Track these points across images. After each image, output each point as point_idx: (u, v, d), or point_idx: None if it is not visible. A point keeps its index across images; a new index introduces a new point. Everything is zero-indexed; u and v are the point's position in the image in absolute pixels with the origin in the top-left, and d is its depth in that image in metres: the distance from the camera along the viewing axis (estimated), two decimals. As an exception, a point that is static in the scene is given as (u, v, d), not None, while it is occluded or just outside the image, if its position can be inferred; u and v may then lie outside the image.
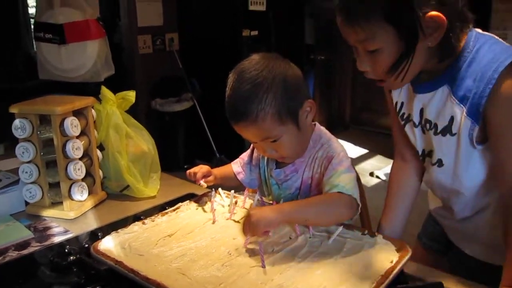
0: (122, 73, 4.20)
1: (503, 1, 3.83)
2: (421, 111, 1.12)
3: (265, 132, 1.13)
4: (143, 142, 1.59)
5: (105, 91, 1.53)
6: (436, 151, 1.11)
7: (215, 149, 4.38)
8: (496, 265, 1.06)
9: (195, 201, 1.31)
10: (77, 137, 1.41)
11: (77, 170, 1.40)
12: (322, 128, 1.28)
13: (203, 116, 4.41)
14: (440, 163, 1.12)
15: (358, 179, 1.48)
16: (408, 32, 0.94)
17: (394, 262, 0.94)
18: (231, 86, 1.13)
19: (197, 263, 0.99)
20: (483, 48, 0.99)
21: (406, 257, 0.95)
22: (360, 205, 1.11)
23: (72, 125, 1.36)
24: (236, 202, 1.27)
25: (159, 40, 4.64)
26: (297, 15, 4.97)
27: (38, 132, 1.37)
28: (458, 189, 1.13)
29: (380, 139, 4.85)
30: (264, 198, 1.29)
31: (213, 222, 1.19)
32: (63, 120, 1.36)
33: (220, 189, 1.34)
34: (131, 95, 1.55)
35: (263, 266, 0.96)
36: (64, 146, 1.37)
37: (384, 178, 4.02)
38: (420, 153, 1.20)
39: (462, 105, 1.01)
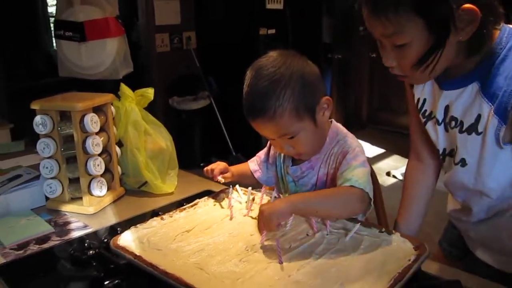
0: (140, 72, 4.23)
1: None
2: (446, 108, 1.09)
3: (282, 129, 1.13)
4: (161, 139, 1.61)
5: (124, 88, 1.55)
6: (460, 150, 1.08)
7: (231, 147, 4.39)
8: (509, 274, 1.04)
9: (213, 198, 1.32)
10: (97, 133, 1.43)
11: (97, 166, 1.42)
12: (339, 125, 1.28)
13: (219, 115, 4.43)
14: (463, 162, 1.09)
15: (375, 177, 1.48)
16: (439, 25, 0.91)
17: (412, 260, 0.93)
18: (249, 83, 1.14)
19: (215, 259, 1.00)
20: None
21: (424, 255, 0.95)
22: (372, 200, 1.10)
23: (92, 122, 1.38)
24: (253, 199, 1.27)
25: (176, 38, 4.66)
26: (315, 14, 4.95)
27: (59, 128, 1.40)
28: (481, 189, 1.09)
29: (397, 138, 4.82)
30: (281, 195, 1.29)
31: (231, 219, 1.20)
32: (83, 116, 1.37)
33: (237, 186, 1.35)
34: (150, 92, 1.57)
35: (280, 262, 0.96)
36: (84, 142, 1.39)
37: (400, 177, 3.99)
38: (440, 152, 1.17)
39: (490, 103, 0.98)
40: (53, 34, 4.21)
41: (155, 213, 1.28)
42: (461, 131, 1.06)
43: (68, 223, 1.37)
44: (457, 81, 1.04)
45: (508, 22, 1.00)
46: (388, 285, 0.85)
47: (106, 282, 1.00)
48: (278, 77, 1.10)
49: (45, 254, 1.19)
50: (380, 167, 4.34)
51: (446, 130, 1.12)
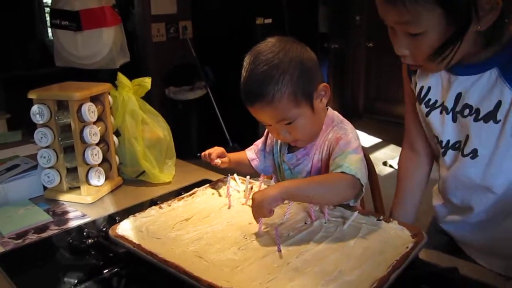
0: (136, 61, 4.21)
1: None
2: (458, 96, 1.05)
3: (280, 114, 1.13)
4: (158, 129, 1.61)
5: (121, 78, 1.55)
6: (473, 140, 1.04)
7: (228, 137, 4.39)
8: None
9: (211, 187, 1.32)
10: (94, 123, 1.43)
11: (94, 156, 1.42)
12: (335, 112, 1.29)
13: (216, 105, 4.42)
14: (474, 153, 1.04)
15: (372, 166, 1.49)
16: (460, 14, 0.88)
17: (409, 247, 0.94)
18: (247, 68, 1.14)
19: (214, 247, 1.00)
20: None
21: (422, 243, 0.95)
22: (364, 186, 1.10)
23: (90, 111, 1.38)
24: (251, 188, 1.27)
25: (172, 28, 4.65)
26: (311, 4, 4.95)
27: (56, 118, 1.39)
28: (488, 185, 1.06)
29: (393, 128, 4.82)
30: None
31: (229, 207, 1.20)
32: (80, 106, 1.37)
33: (235, 175, 1.35)
34: (147, 82, 1.56)
35: (279, 250, 0.97)
36: (81, 131, 1.38)
37: (397, 167, 4.00)
38: (443, 144, 1.12)
39: None
40: (48, 24, 4.19)
41: (153, 202, 1.28)
42: (476, 119, 1.02)
43: (66, 212, 1.37)
44: (473, 67, 1.01)
45: None
46: (386, 272, 0.85)
47: (105, 271, 1.00)
48: (276, 62, 1.10)
49: (44, 243, 1.19)
50: (377, 156, 4.35)
51: (454, 120, 1.08)
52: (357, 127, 1.24)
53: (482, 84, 1.00)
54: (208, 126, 4.51)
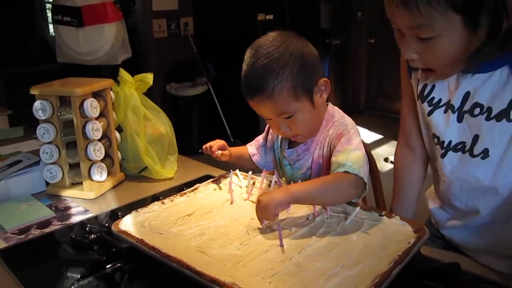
0: (137, 58, 4.21)
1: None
2: (467, 95, 1.02)
3: (280, 107, 1.13)
4: (160, 124, 1.61)
5: (123, 73, 1.55)
6: (484, 139, 1.01)
7: (229, 133, 4.39)
8: None
9: (213, 182, 1.33)
10: (96, 118, 1.43)
11: (97, 151, 1.42)
12: (335, 107, 1.28)
13: (217, 101, 4.42)
14: (485, 153, 1.02)
15: (374, 163, 1.49)
16: (488, 15, 0.84)
17: (411, 243, 0.94)
18: (248, 61, 1.14)
19: (216, 242, 1.00)
20: None
21: (424, 238, 0.95)
22: (367, 184, 1.09)
23: (92, 107, 1.38)
24: (254, 183, 1.28)
25: (174, 24, 4.64)
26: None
27: (58, 114, 1.39)
28: (496, 186, 1.03)
29: (394, 124, 4.77)
30: (281, 180, 1.29)
31: (231, 203, 1.21)
32: (82, 101, 1.37)
33: (237, 171, 1.35)
34: (149, 78, 1.56)
35: (281, 245, 0.97)
36: (83, 127, 1.39)
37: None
38: (445, 144, 1.09)
39: None
40: (49, 20, 4.19)
41: (155, 198, 1.29)
42: (488, 118, 0.99)
43: (69, 208, 1.37)
44: (484, 65, 0.97)
45: None
46: (388, 267, 0.85)
47: (108, 266, 1.01)
48: (277, 56, 1.10)
49: (47, 238, 1.20)
50: (378, 153, 4.35)
51: (460, 120, 1.05)
52: (358, 123, 1.24)
53: (493, 82, 0.98)
54: (210, 122, 4.51)
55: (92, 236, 1.13)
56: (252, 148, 1.42)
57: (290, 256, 0.93)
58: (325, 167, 1.23)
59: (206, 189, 1.30)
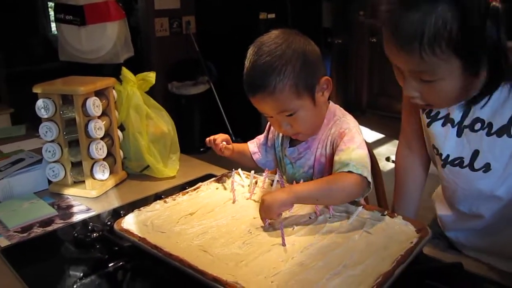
0: (139, 56, 4.21)
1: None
2: (467, 109, 1.02)
3: (282, 104, 1.13)
4: (163, 123, 1.61)
5: (126, 72, 1.55)
6: (485, 154, 1.02)
7: (231, 132, 4.39)
8: None
9: (215, 181, 1.33)
10: (99, 117, 1.43)
11: (99, 150, 1.42)
12: (337, 106, 1.28)
13: (219, 100, 4.42)
14: (487, 167, 1.02)
15: (376, 162, 1.49)
16: (492, 61, 0.86)
17: (414, 242, 0.94)
18: (250, 59, 1.14)
19: (218, 241, 1.00)
20: None
21: (426, 238, 0.95)
22: (371, 183, 1.10)
23: (94, 105, 1.38)
24: (256, 182, 1.28)
25: (176, 23, 4.64)
26: (315, -2, 4.93)
27: (61, 112, 1.39)
28: (501, 195, 1.04)
29: (396, 124, 4.76)
30: (283, 180, 1.29)
31: (233, 202, 1.21)
32: (85, 100, 1.37)
33: (239, 170, 1.35)
34: (151, 76, 1.57)
35: (284, 245, 0.97)
36: (86, 125, 1.39)
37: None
38: (443, 157, 1.10)
39: None
40: (51, 18, 4.19)
41: (158, 197, 1.29)
42: (489, 134, 1.00)
43: (71, 206, 1.37)
44: None
45: None
46: (391, 267, 0.85)
47: (110, 264, 1.01)
48: (279, 53, 1.10)
49: (49, 236, 1.20)
50: (380, 152, 4.35)
51: (459, 134, 1.06)
52: (360, 122, 1.24)
53: (494, 98, 0.97)
54: (211, 121, 4.51)
55: (95, 234, 1.13)
56: (253, 146, 1.42)
57: (293, 256, 0.93)
58: (328, 165, 1.23)
59: (208, 188, 1.30)
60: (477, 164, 1.04)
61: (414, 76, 0.93)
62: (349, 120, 1.23)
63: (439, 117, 1.08)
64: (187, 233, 1.05)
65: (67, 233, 1.20)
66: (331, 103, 1.27)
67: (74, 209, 1.35)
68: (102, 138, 1.45)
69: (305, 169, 1.28)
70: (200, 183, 1.31)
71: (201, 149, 4.08)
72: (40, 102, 1.38)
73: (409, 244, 0.93)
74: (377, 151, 4.34)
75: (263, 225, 1.06)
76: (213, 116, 4.48)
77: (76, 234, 1.14)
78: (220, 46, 4.56)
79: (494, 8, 0.82)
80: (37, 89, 1.38)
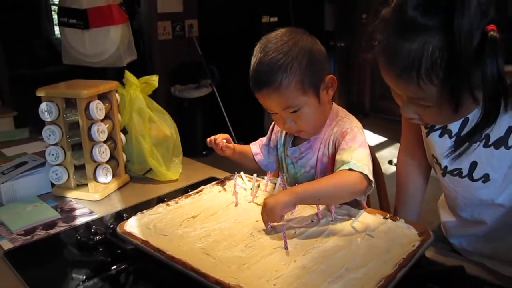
0: (142, 60, 4.22)
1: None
2: (465, 121, 1.02)
3: (287, 101, 1.14)
4: (165, 126, 1.61)
5: (128, 76, 1.55)
6: (483, 165, 1.02)
7: (233, 135, 4.39)
8: None
9: (218, 184, 1.33)
10: (102, 120, 1.43)
11: (102, 153, 1.42)
12: (339, 107, 1.29)
13: (222, 103, 4.42)
14: (486, 178, 1.02)
15: (378, 165, 1.49)
16: (490, 98, 0.82)
17: (416, 246, 0.94)
18: (256, 55, 1.15)
19: (221, 244, 1.01)
20: None
21: (428, 241, 0.95)
22: (373, 181, 1.09)
23: (97, 109, 1.39)
24: (258, 185, 1.28)
25: (178, 26, 4.66)
26: (317, 2, 4.94)
27: (64, 115, 1.40)
28: (503, 203, 1.04)
29: (399, 127, 4.77)
30: (286, 183, 1.29)
31: (236, 205, 1.21)
32: (88, 103, 1.38)
33: (242, 173, 1.36)
34: (154, 80, 1.57)
35: (286, 248, 0.97)
36: (89, 129, 1.39)
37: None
38: (442, 167, 1.10)
39: None
40: (55, 22, 4.21)
41: (160, 200, 1.29)
42: (486, 146, 1.00)
43: (74, 209, 1.38)
44: None
45: None
46: (393, 270, 0.85)
47: (113, 267, 1.01)
48: (286, 50, 1.12)
49: (52, 239, 1.20)
50: (382, 155, 4.35)
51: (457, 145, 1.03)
52: (363, 125, 1.25)
53: None
54: (214, 124, 4.51)
55: (97, 237, 1.13)
56: (255, 148, 1.42)
57: (295, 259, 0.93)
58: (330, 165, 1.23)
59: (211, 191, 1.30)
60: (476, 175, 1.04)
61: (413, 102, 0.93)
62: (352, 120, 1.24)
63: (436, 127, 1.08)
64: (189, 236, 1.05)
65: (70, 236, 1.20)
66: (334, 104, 1.28)
67: (77, 212, 1.36)
68: (105, 141, 1.45)
69: (307, 169, 1.28)
70: (202, 186, 1.31)
71: (204, 152, 4.09)
72: (43, 106, 1.38)
73: (411, 247, 0.94)
74: (380, 154, 4.34)
75: (265, 228, 1.06)
76: (216, 119, 4.49)
77: (79, 237, 1.14)
78: (223, 49, 4.57)
79: (492, 37, 0.77)
80: (40, 93, 1.39)
